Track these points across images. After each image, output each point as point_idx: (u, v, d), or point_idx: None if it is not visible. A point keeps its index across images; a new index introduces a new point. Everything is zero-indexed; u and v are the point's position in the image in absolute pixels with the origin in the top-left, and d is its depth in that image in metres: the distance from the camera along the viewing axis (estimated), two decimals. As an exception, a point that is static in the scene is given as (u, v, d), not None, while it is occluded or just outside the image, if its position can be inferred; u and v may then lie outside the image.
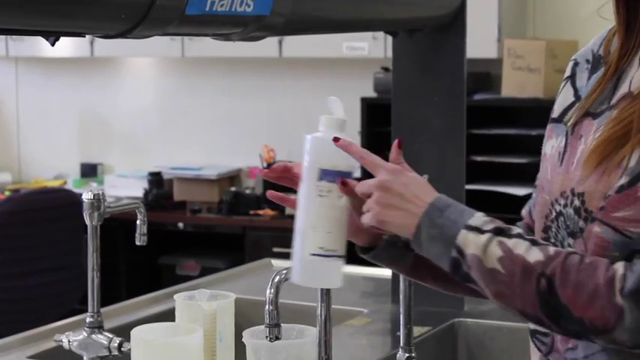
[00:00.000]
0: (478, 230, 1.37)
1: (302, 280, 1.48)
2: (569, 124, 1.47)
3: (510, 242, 1.35)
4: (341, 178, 1.46)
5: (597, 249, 1.36)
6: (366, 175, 1.46)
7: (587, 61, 1.53)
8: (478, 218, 1.38)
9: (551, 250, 1.34)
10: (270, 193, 1.57)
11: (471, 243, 1.36)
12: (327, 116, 1.49)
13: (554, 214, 1.44)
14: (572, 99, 1.51)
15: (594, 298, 1.30)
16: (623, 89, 1.42)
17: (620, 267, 1.30)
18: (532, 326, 1.48)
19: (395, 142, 1.49)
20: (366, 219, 1.44)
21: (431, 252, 1.41)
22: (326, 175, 1.46)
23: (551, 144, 1.50)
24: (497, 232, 1.36)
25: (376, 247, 1.55)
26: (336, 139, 1.46)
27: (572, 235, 1.41)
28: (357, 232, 1.54)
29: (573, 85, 1.53)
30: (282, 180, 1.57)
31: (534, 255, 1.34)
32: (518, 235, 1.36)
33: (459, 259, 1.38)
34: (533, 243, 1.35)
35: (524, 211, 1.64)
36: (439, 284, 1.60)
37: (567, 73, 1.56)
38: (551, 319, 1.34)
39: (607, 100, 1.44)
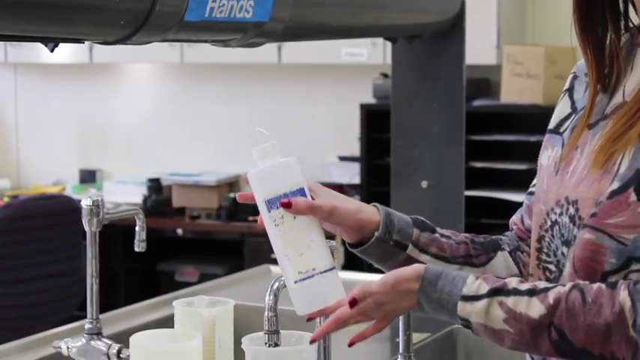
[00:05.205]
0: (474, 298, 1.36)
1: (304, 309, 1.48)
2: (564, 134, 1.49)
3: (510, 301, 1.34)
4: (280, 202, 1.45)
5: (593, 255, 1.36)
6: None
7: (586, 74, 1.55)
8: (470, 285, 1.37)
9: (551, 296, 1.33)
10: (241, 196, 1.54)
11: (471, 313, 1.36)
12: (257, 148, 1.47)
13: (548, 223, 1.45)
14: (569, 110, 1.54)
15: (609, 336, 1.30)
16: (617, 99, 1.46)
17: (625, 298, 1.30)
18: None
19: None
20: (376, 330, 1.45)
21: (440, 317, 1.41)
22: (272, 204, 1.46)
23: (547, 154, 1.52)
24: (493, 293, 1.35)
25: (366, 243, 1.54)
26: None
27: (567, 243, 1.42)
28: (344, 230, 1.53)
29: (571, 97, 1.56)
30: None
31: (536, 309, 1.33)
32: (515, 291, 1.35)
33: (468, 326, 1.38)
34: (531, 293, 1.34)
35: (515, 218, 1.65)
36: None
37: (566, 85, 1.59)
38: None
39: (602, 111, 1.46)
